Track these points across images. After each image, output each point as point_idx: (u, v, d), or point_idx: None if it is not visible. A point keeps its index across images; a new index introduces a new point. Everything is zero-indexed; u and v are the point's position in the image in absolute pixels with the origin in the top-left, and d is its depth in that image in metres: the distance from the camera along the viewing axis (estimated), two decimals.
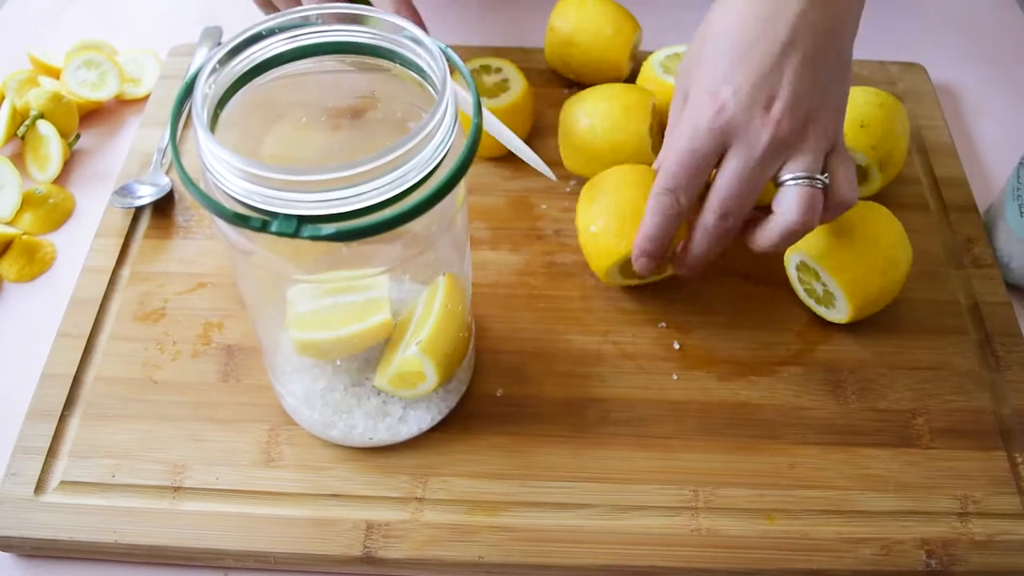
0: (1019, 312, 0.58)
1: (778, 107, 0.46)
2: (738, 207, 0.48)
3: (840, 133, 0.49)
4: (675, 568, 0.47)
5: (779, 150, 0.47)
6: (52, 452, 0.51)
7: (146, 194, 0.62)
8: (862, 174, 0.61)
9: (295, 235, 0.36)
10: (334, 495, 0.49)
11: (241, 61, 0.41)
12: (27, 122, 0.66)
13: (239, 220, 0.37)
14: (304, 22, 0.42)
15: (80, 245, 0.61)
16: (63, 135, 0.67)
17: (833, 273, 0.53)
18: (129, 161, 0.65)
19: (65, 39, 0.74)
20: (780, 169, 0.48)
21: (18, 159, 0.66)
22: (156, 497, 0.49)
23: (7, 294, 0.60)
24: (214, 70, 0.40)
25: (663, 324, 0.57)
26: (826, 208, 0.49)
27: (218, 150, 0.36)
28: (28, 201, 0.64)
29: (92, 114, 0.71)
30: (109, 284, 0.58)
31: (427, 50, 0.41)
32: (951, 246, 0.61)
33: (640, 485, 0.50)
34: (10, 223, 0.63)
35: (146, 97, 0.71)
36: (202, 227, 0.62)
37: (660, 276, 0.56)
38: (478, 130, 0.40)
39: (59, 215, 0.64)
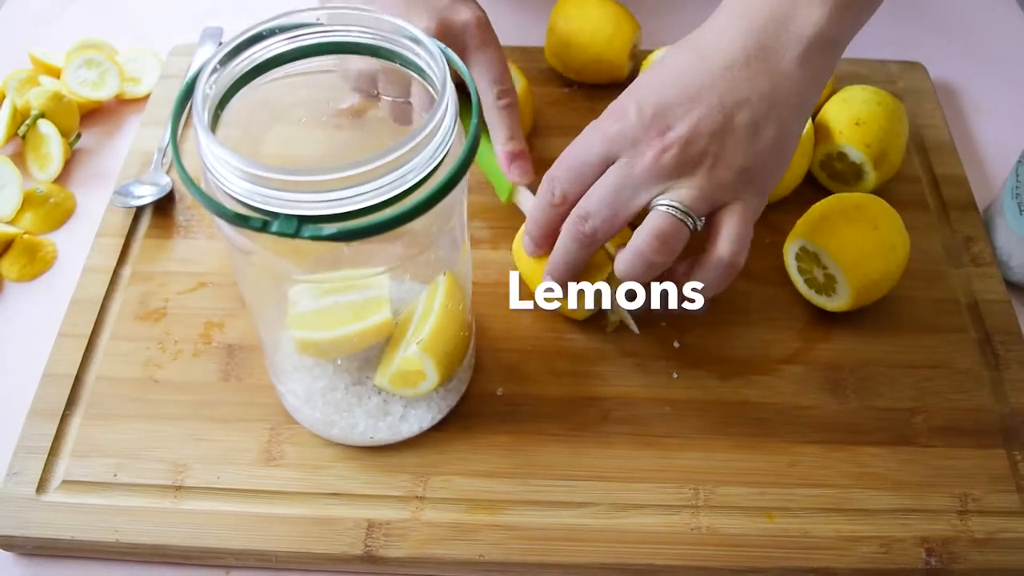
0: (1019, 310, 0.58)
1: (672, 135, 0.46)
2: (602, 215, 0.48)
3: (742, 196, 0.47)
4: (675, 566, 0.47)
5: (659, 175, 0.46)
6: (54, 452, 0.51)
7: (147, 194, 0.62)
8: (856, 171, 0.61)
9: (296, 235, 0.36)
10: (335, 494, 0.49)
11: (242, 61, 0.41)
12: (28, 121, 0.66)
13: (239, 220, 0.37)
14: (305, 22, 0.42)
15: (81, 244, 0.61)
16: (64, 134, 0.67)
17: (833, 253, 0.53)
18: (130, 160, 0.65)
19: (65, 38, 0.74)
20: (656, 196, 0.47)
21: (19, 158, 0.66)
22: (157, 496, 0.49)
23: (8, 294, 0.60)
24: (215, 70, 0.40)
25: (663, 323, 0.57)
26: (703, 263, 0.48)
27: (219, 150, 0.36)
28: (29, 200, 0.64)
29: (93, 113, 0.71)
30: (110, 284, 0.58)
31: (427, 50, 0.41)
32: (950, 245, 0.61)
33: (640, 483, 0.50)
34: (11, 222, 0.63)
35: (146, 96, 0.71)
36: (203, 227, 0.62)
37: (588, 313, 0.56)
38: (477, 129, 0.40)
39: (60, 214, 0.64)
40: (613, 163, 0.48)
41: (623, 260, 0.47)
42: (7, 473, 0.50)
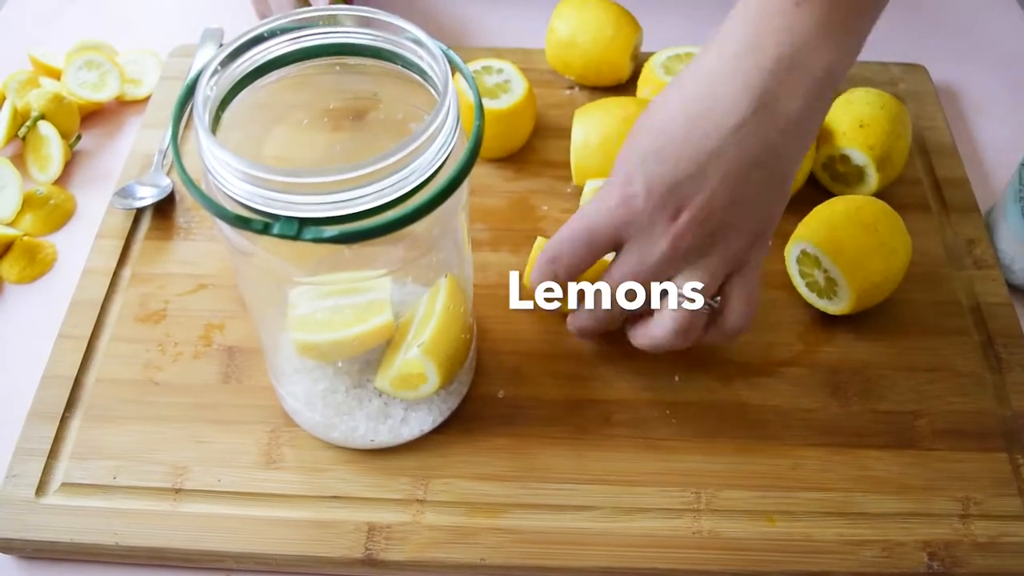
0: (1021, 313, 0.58)
1: (684, 218, 0.44)
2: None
3: (752, 257, 0.47)
4: (677, 570, 0.47)
5: (674, 262, 0.46)
6: (53, 454, 0.51)
7: (147, 195, 0.62)
8: (859, 173, 0.61)
9: (297, 237, 0.36)
10: (335, 497, 0.49)
11: (243, 63, 0.41)
12: (28, 123, 0.66)
13: (241, 222, 0.37)
14: (305, 24, 0.42)
15: (81, 246, 0.61)
16: (64, 136, 0.67)
17: (834, 257, 0.53)
18: (130, 162, 0.65)
19: (66, 40, 0.74)
20: (672, 277, 0.46)
21: (19, 160, 0.66)
22: (157, 499, 0.49)
23: (8, 295, 0.60)
24: (215, 72, 0.40)
25: None
26: (715, 328, 0.48)
27: (220, 152, 0.36)
28: (29, 202, 0.64)
29: (93, 115, 0.71)
30: (110, 285, 0.58)
31: (428, 52, 0.40)
32: (952, 247, 0.61)
33: (641, 487, 0.50)
34: (11, 224, 0.63)
35: (147, 98, 0.71)
36: (203, 228, 0.62)
37: None
38: (480, 132, 0.40)
39: (60, 216, 0.64)
40: (623, 243, 0.47)
41: (643, 343, 0.49)
42: (6, 475, 0.50)
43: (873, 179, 0.61)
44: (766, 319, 0.57)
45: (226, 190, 0.37)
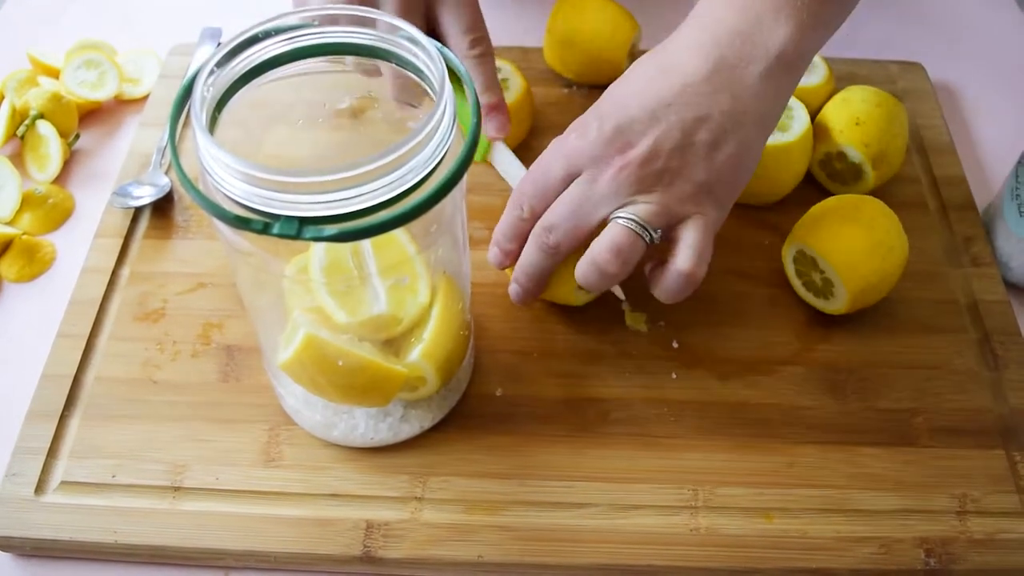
0: (1018, 311, 0.58)
1: (632, 153, 0.47)
2: (564, 228, 0.48)
3: (702, 210, 0.48)
4: (674, 567, 0.47)
5: (619, 191, 0.47)
6: (52, 452, 0.51)
7: (145, 195, 0.62)
8: (855, 171, 0.61)
9: (297, 236, 0.36)
10: (334, 495, 0.49)
11: (240, 63, 0.41)
12: (27, 122, 0.66)
13: (241, 223, 0.37)
14: (302, 23, 0.42)
15: (80, 245, 0.61)
16: (63, 135, 0.67)
17: (829, 257, 0.53)
18: (128, 161, 0.65)
19: (65, 39, 0.74)
20: (616, 210, 0.48)
21: (17, 159, 0.66)
22: (156, 497, 0.49)
23: (7, 294, 0.60)
24: (212, 72, 0.40)
25: (662, 323, 0.57)
26: (663, 273, 0.48)
27: (217, 152, 0.36)
28: (28, 201, 0.64)
29: (92, 114, 0.71)
30: (109, 284, 0.58)
31: (424, 51, 0.41)
32: (950, 245, 0.61)
33: (639, 484, 0.50)
34: (10, 223, 0.63)
35: (146, 97, 0.71)
36: (201, 227, 0.62)
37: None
38: (476, 130, 0.40)
39: (59, 215, 0.64)
40: (576, 177, 0.49)
41: (580, 269, 0.49)
42: (6, 474, 0.50)
43: (869, 177, 0.61)
44: (764, 317, 0.57)
45: (224, 190, 0.37)
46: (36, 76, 0.71)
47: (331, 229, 0.36)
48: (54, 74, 0.71)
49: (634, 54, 0.69)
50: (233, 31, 0.77)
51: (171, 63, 0.72)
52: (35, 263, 0.61)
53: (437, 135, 0.38)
